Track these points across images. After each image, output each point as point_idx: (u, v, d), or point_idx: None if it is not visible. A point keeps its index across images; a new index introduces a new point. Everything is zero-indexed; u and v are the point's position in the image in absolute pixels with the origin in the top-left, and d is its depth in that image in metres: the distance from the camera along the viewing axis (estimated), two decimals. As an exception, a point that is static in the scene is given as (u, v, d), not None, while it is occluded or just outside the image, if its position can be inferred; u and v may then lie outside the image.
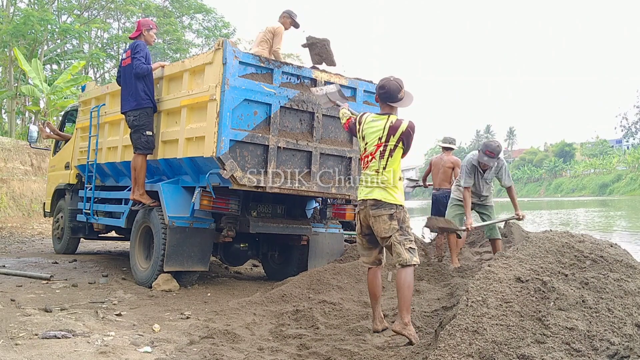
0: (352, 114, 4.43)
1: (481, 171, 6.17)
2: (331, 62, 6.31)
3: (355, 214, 4.25)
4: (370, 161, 4.01)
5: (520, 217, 6.08)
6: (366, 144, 4.06)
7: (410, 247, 3.90)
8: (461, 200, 6.28)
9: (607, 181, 76.61)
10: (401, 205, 3.96)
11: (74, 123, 9.31)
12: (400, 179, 4.02)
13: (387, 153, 3.95)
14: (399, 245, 3.89)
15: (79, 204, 8.25)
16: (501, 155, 6.12)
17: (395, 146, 3.95)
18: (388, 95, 4.02)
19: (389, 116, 4.00)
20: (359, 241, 4.24)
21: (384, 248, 4.09)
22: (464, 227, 6.06)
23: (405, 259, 3.85)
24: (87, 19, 26.79)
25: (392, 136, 3.93)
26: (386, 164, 3.95)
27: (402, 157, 4.04)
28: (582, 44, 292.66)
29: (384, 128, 3.95)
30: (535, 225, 20.31)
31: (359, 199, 4.12)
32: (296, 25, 7.13)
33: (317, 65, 6.21)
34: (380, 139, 3.96)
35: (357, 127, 4.16)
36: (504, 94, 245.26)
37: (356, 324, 4.30)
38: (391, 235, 3.91)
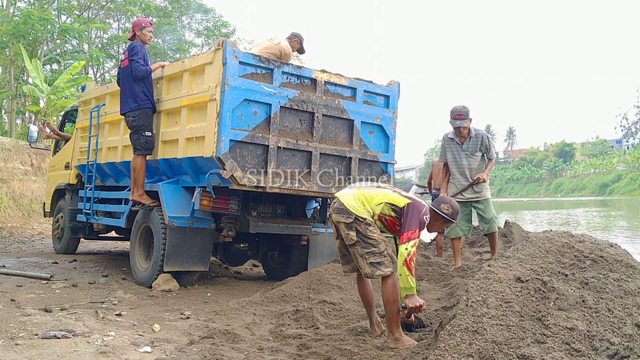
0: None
1: (458, 142, 6.01)
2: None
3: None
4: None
5: (480, 179, 5.88)
6: None
7: (372, 262, 3.70)
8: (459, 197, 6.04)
9: (607, 181, 76.55)
10: (363, 218, 3.75)
11: (74, 123, 9.32)
12: (375, 223, 3.79)
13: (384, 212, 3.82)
14: (360, 258, 3.75)
15: (79, 204, 8.25)
16: (475, 126, 5.99)
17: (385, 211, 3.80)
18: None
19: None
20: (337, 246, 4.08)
21: None
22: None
23: (366, 273, 3.73)
24: (87, 19, 26.78)
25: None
26: (375, 196, 3.84)
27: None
28: (582, 43, 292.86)
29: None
30: (535, 225, 20.31)
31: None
32: (301, 51, 6.95)
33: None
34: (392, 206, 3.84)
35: None
36: (504, 94, 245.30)
37: (356, 324, 4.29)
38: (354, 245, 3.77)
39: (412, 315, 3.93)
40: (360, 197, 3.82)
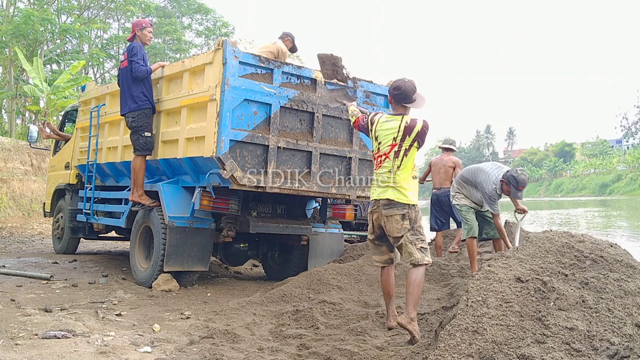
0: (361, 112, 4.44)
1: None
2: (342, 79, 5.67)
3: (368, 214, 4.29)
4: (384, 161, 4.05)
5: (525, 210, 6.00)
6: (379, 144, 4.10)
7: (422, 247, 3.95)
8: (470, 207, 6.22)
9: (607, 181, 76.54)
10: (414, 205, 4.01)
11: (74, 123, 9.31)
12: (414, 177, 4.07)
13: (402, 153, 4.00)
14: (410, 245, 3.93)
15: (79, 204, 8.25)
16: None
17: (411, 146, 4.00)
18: (403, 96, 4.06)
19: (403, 116, 4.04)
20: (370, 241, 4.28)
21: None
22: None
23: (416, 259, 3.91)
24: (87, 18, 26.78)
25: (407, 136, 3.98)
26: (400, 164, 4.00)
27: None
28: (583, 43, 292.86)
29: (399, 128, 3.99)
30: (535, 225, 20.31)
31: (372, 199, 4.16)
32: (293, 50, 7.17)
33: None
34: (395, 139, 4.00)
35: (370, 127, 4.18)
36: (504, 94, 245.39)
37: (356, 324, 4.30)
38: (403, 235, 3.96)
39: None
40: (396, 185, 3.98)
